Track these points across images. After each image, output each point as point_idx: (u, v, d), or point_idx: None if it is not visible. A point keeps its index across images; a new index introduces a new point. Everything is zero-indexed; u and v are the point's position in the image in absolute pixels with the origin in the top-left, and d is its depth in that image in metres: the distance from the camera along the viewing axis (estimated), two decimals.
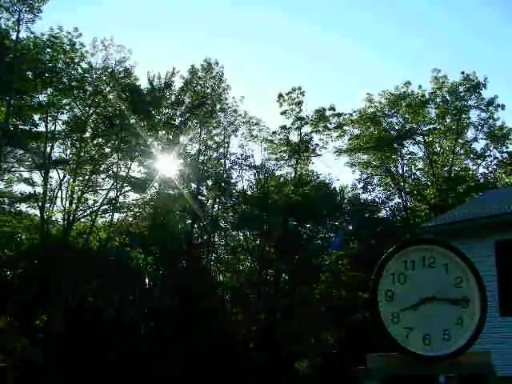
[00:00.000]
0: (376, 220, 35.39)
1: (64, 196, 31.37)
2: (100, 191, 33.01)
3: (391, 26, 61.23)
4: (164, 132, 34.25)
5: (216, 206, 35.60)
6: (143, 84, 33.73)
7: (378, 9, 58.80)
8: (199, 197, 34.26)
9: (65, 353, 23.86)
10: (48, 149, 30.84)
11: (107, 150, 33.16)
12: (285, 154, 35.47)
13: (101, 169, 32.81)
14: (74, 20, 65.54)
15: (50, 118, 30.93)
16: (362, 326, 27.08)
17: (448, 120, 34.91)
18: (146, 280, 34.38)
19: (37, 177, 30.90)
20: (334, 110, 35.30)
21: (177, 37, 60.73)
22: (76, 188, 31.45)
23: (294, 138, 35.43)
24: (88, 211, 32.96)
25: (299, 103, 35.00)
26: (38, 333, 26.68)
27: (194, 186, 34.16)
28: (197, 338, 26.77)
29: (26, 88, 29.30)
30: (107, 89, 32.35)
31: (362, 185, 36.30)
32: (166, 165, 32.76)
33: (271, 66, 59.74)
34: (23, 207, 30.93)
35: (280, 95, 35.13)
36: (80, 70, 31.28)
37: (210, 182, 35.14)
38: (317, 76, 60.65)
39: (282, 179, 36.56)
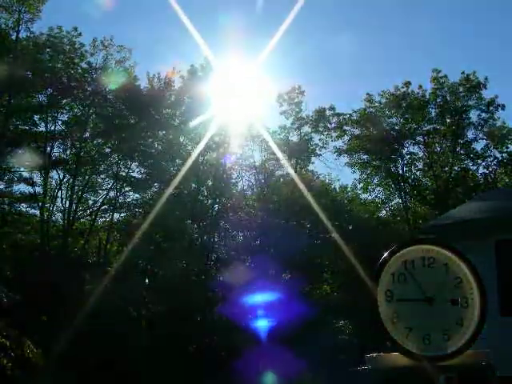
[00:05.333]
0: (376, 220, 35.41)
1: (64, 196, 31.46)
2: (100, 191, 33.09)
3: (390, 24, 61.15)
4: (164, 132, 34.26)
5: (216, 206, 35.59)
6: (143, 84, 33.83)
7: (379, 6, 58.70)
8: (199, 197, 34.30)
9: (65, 352, 23.86)
10: (48, 149, 30.89)
11: (107, 150, 33.21)
12: (284, 154, 35.46)
13: (101, 169, 32.86)
14: (73, 17, 65.44)
15: (49, 118, 30.99)
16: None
17: (448, 120, 34.93)
18: (146, 280, 34.43)
19: (37, 177, 30.98)
20: (334, 109, 35.34)
21: (176, 35, 60.57)
22: (76, 188, 31.49)
23: (294, 138, 35.47)
24: (88, 211, 33.03)
25: (299, 103, 35.03)
26: (38, 332, 26.66)
27: (193, 186, 34.16)
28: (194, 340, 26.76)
29: (26, 88, 29.34)
30: (107, 89, 32.39)
31: (361, 185, 36.38)
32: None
33: (271, 65, 59.59)
34: (23, 207, 31.01)
35: (280, 95, 35.16)
36: (80, 70, 31.32)
37: (209, 182, 35.14)
38: (317, 76, 60.55)
39: (281, 179, 36.55)
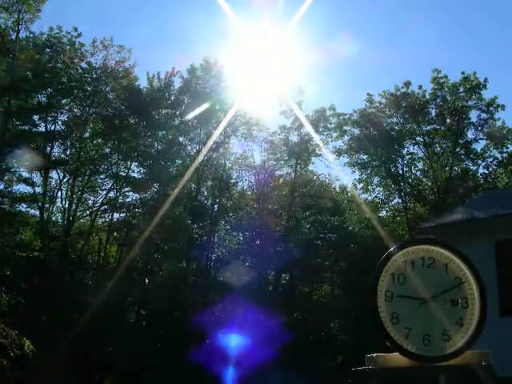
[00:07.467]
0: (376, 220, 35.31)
1: (64, 196, 31.45)
2: (100, 191, 33.10)
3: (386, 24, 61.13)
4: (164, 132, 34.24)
5: (216, 206, 35.57)
6: (143, 84, 33.85)
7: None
8: (199, 197, 34.29)
9: (65, 351, 23.87)
10: (48, 149, 30.88)
11: (107, 150, 33.21)
12: (284, 155, 35.44)
13: (101, 169, 32.84)
14: (74, 17, 65.54)
15: (49, 118, 30.99)
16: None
17: (448, 120, 34.88)
18: (147, 280, 34.39)
19: (37, 177, 30.97)
20: (334, 109, 35.31)
21: (175, 34, 60.52)
22: (76, 188, 31.49)
23: (294, 138, 35.43)
24: (88, 211, 33.02)
25: (299, 103, 34.98)
26: (38, 332, 26.65)
27: (193, 186, 34.14)
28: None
29: (26, 88, 29.33)
30: (107, 89, 32.39)
31: (361, 185, 36.34)
32: None
33: (271, 65, 59.48)
34: (23, 207, 31.00)
35: (280, 95, 35.13)
36: (80, 70, 31.32)
37: (209, 183, 35.12)
38: (317, 76, 60.45)
39: (281, 179, 36.53)
